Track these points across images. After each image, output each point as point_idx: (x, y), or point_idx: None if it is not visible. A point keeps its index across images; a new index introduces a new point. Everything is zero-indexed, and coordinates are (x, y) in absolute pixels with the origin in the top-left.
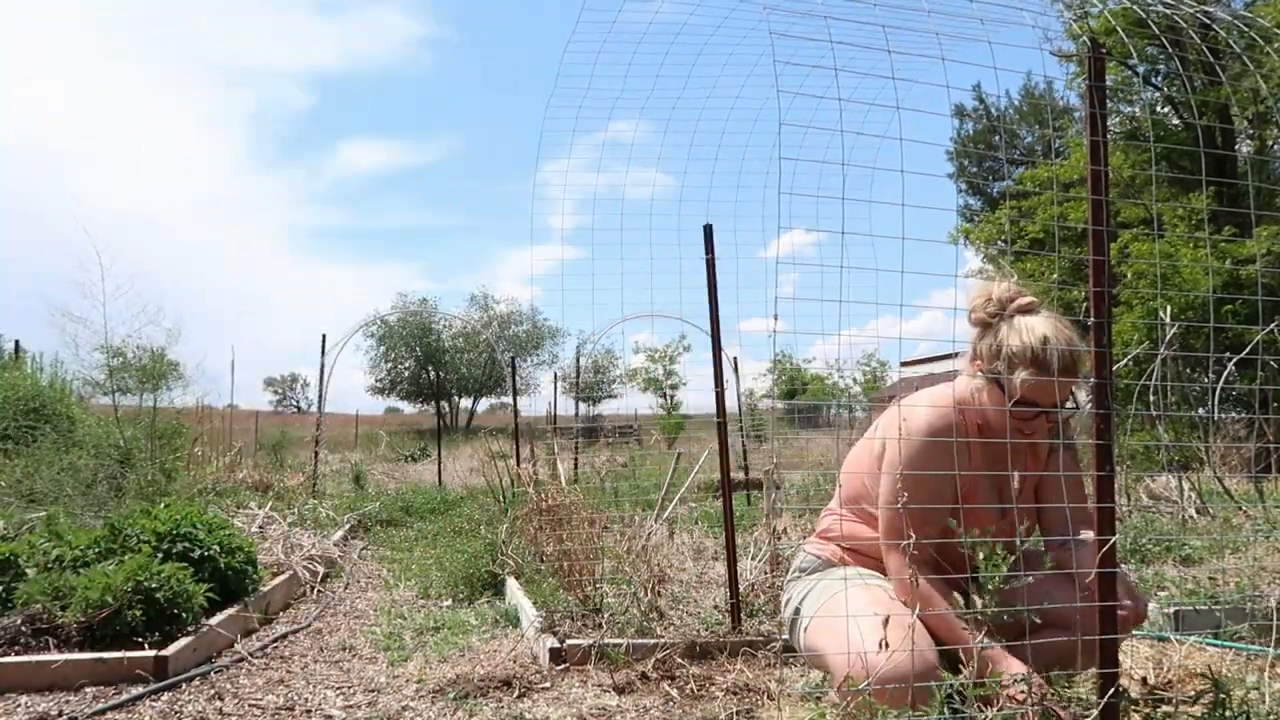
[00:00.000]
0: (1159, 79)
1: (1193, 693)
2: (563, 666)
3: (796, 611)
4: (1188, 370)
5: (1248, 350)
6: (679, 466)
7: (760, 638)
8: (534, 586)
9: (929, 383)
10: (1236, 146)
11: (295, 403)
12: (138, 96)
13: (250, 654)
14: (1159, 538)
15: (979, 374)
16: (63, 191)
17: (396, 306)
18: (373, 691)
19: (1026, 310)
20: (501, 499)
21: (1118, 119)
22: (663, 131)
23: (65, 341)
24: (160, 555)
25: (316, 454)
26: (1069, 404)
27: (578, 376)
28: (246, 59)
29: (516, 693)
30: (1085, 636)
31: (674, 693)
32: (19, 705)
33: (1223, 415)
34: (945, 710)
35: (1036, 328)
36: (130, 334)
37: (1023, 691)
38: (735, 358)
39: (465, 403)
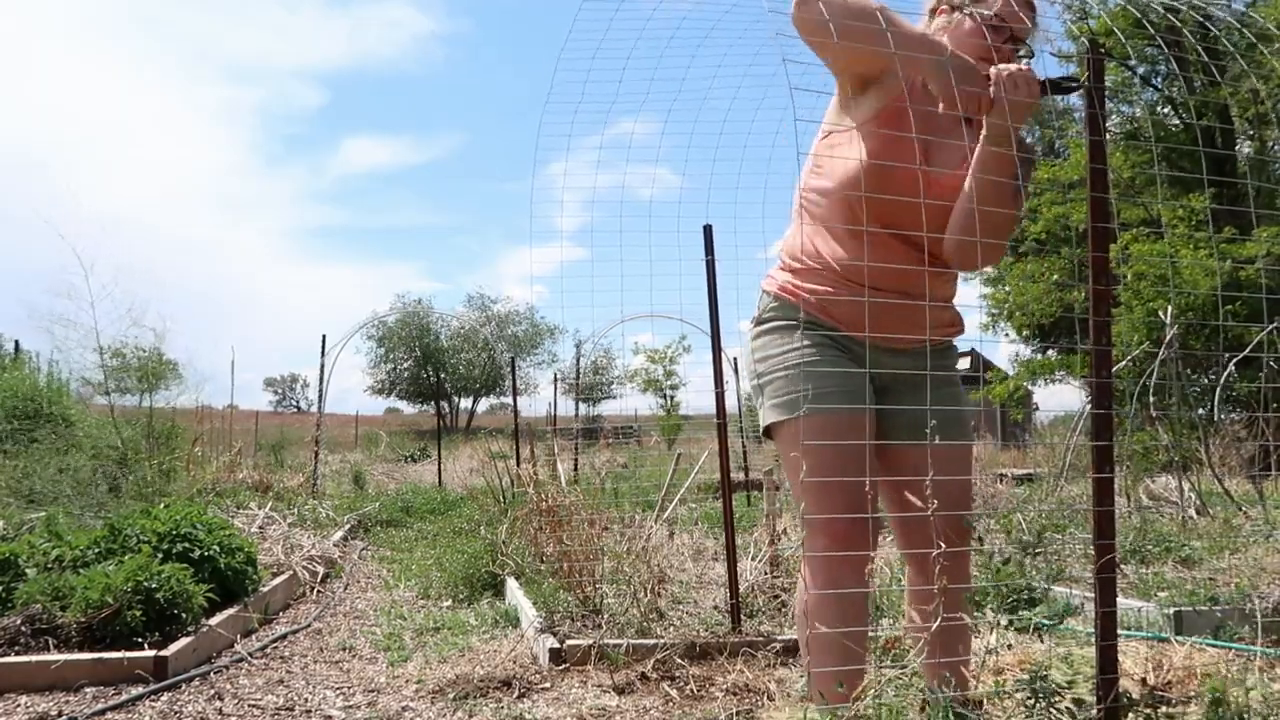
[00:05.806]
0: (1159, 79)
1: (1193, 693)
2: (562, 667)
3: (760, 391)
4: (1188, 371)
5: (1248, 350)
6: (679, 467)
7: (760, 638)
8: (534, 587)
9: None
10: (1236, 147)
11: (295, 403)
12: (144, 95)
13: (250, 654)
14: (1159, 539)
15: (944, 12)
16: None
17: (395, 307)
18: (372, 692)
19: None
20: (501, 499)
21: (1117, 119)
22: (661, 132)
23: (57, 345)
24: (160, 555)
25: (316, 454)
26: (1024, 49)
27: (578, 377)
28: (255, 56)
29: (516, 693)
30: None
31: (674, 693)
32: (19, 705)
33: (1222, 416)
34: (950, 716)
35: None
36: (119, 335)
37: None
38: (735, 358)
39: (465, 403)
